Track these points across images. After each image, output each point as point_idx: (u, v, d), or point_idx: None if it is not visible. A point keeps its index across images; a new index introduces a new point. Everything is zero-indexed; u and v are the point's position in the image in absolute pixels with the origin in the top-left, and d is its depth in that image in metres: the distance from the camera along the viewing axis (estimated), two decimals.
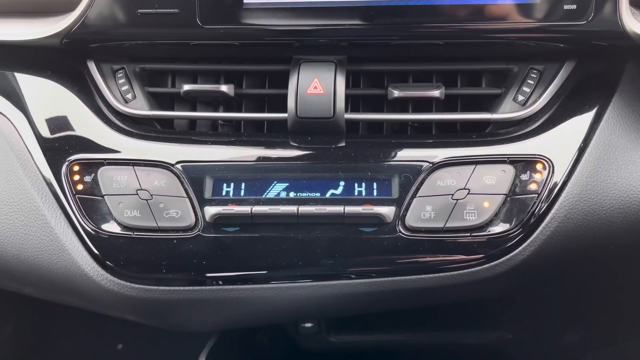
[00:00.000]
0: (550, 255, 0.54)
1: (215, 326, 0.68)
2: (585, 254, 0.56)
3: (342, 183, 0.55)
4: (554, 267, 0.56)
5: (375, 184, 0.55)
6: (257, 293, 0.55)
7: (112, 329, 1.49)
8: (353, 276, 0.54)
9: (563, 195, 0.54)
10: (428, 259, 0.53)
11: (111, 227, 0.55)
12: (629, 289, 0.69)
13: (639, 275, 0.65)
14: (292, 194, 0.55)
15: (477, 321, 0.88)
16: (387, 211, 0.53)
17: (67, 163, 0.57)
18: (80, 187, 0.56)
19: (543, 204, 0.53)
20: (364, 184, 0.55)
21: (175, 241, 0.54)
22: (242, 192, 0.55)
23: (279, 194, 0.55)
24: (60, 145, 0.59)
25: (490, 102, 0.60)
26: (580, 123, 0.57)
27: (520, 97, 0.59)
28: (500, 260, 0.53)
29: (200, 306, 0.57)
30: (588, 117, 0.57)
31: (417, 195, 0.54)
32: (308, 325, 0.87)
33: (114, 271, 0.55)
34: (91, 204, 0.56)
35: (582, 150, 0.55)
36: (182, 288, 0.55)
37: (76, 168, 0.57)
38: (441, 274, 0.53)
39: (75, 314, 1.55)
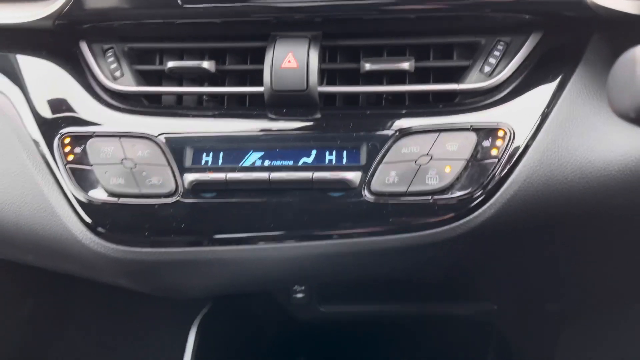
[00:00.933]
0: (512, 218, 0.56)
1: (202, 290, 0.72)
2: (548, 219, 0.58)
3: (313, 152, 0.59)
4: (518, 230, 0.58)
5: (345, 152, 0.58)
6: (233, 254, 0.59)
7: (125, 305, 1.55)
8: (322, 238, 0.57)
9: (523, 160, 0.56)
10: (392, 221, 0.56)
11: (99, 194, 0.60)
12: (598, 256, 0.71)
13: (603, 242, 0.66)
14: (266, 162, 0.58)
15: (464, 294, 0.91)
16: (353, 177, 0.56)
17: (59, 136, 0.62)
18: (71, 157, 0.61)
19: (503, 169, 0.56)
20: (334, 152, 0.58)
21: (156, 206, 0.58)
22: (220, 161, 0.59)
23: (254, 162, 0.59)
24: (53, 120, 0.63)
25: (460, 75, 0.63)
26: (543, 92, 0.59)
27: (487, 69, 0.61)
28: (461, 221, 0.56)
29: (182, 267, 0.61)
30: (551, 86, 0.59)
31: (383, 162, 0.57)
32: (299, 295, 0.91)
33: (101, 234, 0.59)
34: (80, 173, 0.60)
35: (544, 118, 0.57)
36: (163, 250, 0.59)
37: (67, 140, 0.61)
38: (404, 235, 0.56)
39: (91, 293, 1.62)
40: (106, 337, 1.63)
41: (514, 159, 0.56)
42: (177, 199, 0.58)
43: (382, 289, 0.93)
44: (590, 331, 0.91)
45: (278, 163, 0.58)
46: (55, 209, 0.61)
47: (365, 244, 0.57)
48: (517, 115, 0.58)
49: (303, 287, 0.90)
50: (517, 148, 0.56)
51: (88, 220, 0.60)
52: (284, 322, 0.93)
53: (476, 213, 0.56)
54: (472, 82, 0.61)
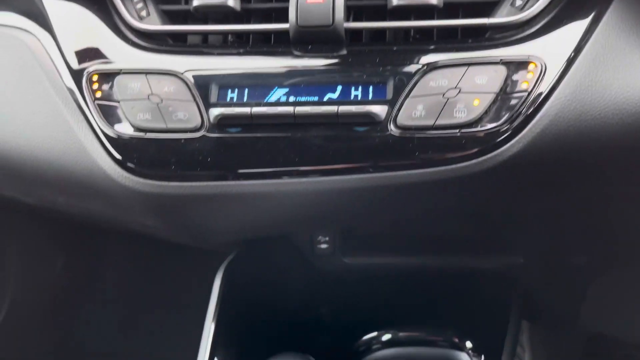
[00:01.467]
0: (541, 153, 0.55)
1: (227, 232, 0.72)
2: (579, 157, 0.57)
3: (339, 87, 0.58)
4: (548, 166, 0.57)
5: (370, 87, 0.57)
6: (257, 189, 0.59)
7: (153, 259, 1.59)
8: (346, 172, 0.57)
9: (555, 94, 0.55)
10: (418, 155, 0.56)
11: (126, 129, 0.60)
12: (629, 202, 0.69)
13: (635, 185, 0.65)
14: (291, 98, 0.58)
15: (489, 247, 0.90)
16: (379, 110, 0.56)
17: (87, 74, 0.63)
18: (98, 94, 0.62)
19: (534, 103, 0.54)
20: (360, 88, 0.58)
21: (182, 141, 0.59)
22: (245, 97, 0.59)
23: (279, 98, 0.59)
24: (81, 59, 0.64)
25: (490, 9, 0.61)
26: (576, 26, 0.57)
27: (518, 2, 0.59)
28: (488, 155, 0.55)
29: (207, 203, 0.62)
30: (585, 20, 0.57)
31: (410, 96, 0.56)
32: (323, 246, 0.91)
33: (129, 169, 0.60)
34: (108, 109, 0.61)
35: (577, 52, 0.56)
36: (189, 184, 0.60)
37: (95, 78, 0.62)
38: (430, 169, 0.56)
39: (119, 249, 1.66)
40: (135, 290, 1.68)
41: (545, 92, 0.55)
42: (203, 133, 0.59)
43: (405, 242, 0.92)
44: (618, 285, 0.89)
45: (303, 99, 0.58)
46: (84, 145, 0.62)
47: (391, 178, 0.57)
48: (549, 49, 0.56)
49: (327, 238, 0.91)
50: (548, 82, 0.55)
51: (116, 155, 0.61)
52: (307, 273, 0.94)
53: (505, 147, 0.55)
54: (502, 17, 0.59)
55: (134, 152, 0.60)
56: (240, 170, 0.59)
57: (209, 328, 0.78)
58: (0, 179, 0.75)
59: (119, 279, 1.70)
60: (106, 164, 0.61)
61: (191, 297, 1.44)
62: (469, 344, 0.86)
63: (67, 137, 0.63)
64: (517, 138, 0.55)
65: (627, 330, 0.98)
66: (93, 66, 0.63)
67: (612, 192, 0.67)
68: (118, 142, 0.60)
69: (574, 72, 0.55)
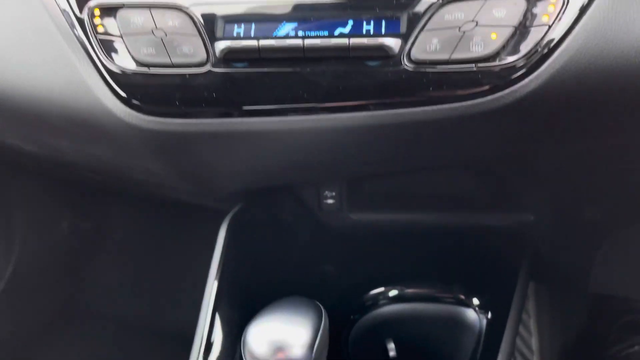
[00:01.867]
0: (561, 90, 0.53)
1: (232, 179, 0.71)
2: (599, 97, 0.55)
3: (350, 21, 0.56)
4: (567, 105, 0.55)
5: (383, 22, 0.55)
6: (264, 126, 0.57)
7: (157, 217, 1.59)
8: (357, 109, 0.55)
9: (577, 28, 0.52)
10: (432, 90, 0.54)
11: (129, 65, 0.58)
12: None
13: None
14: (300, 33, 0.56)
15: (499, 204, 0.88)
16: (393, 43, 0.53)
17: (88, 8, 0.60)
18: (101, 29, 0.59)
19: (554, 38, 0.52)
20: (372, 22, 0.55)
21: (187, 76, 0.57)
22: (252, 32, 0.57)
23: (287, 33, 0.56)
24: None
25: None
26: None
27: None
28: (505, 91, 0.53)
29: (213, 141, 0.60)
30: None
31: (425, 29, 0.53)
32: (330, 202, 0.90)
33: (132, 105, 0.59)
34: (111, 44, 0.59)
35: None
36: (194, 120, 0.58)
37: (97, 12, 0.60)
38: (445, 105, 0.54)
39: (124, 209, 1.66)
40: (140, 250, 1.68)
41: (567, 27, 0.52)
42: (209, 68, 0.56)
43: (413, 198, 0.91)
44: (629, 245, 0.88)
45: (313, 33, 0.56)
46: (87, 82, 0.60)
47: (404, 115, 0.55)
48: None
49: (333, 193, 0.89)
50: (570, 15, 0.52)
51: (119, 91, 0.59)
52: (313, 228, 0.93)
53: (522, 83, 0.52)
54: None
55: (137, 88, 0.58)
56: (246, 107, 0.57)
57: (213, 281, 0.77)
58: (0, 122, 0.73)
59: (124, 240, 1.70)
60: (109, 101, 0.60)
61: (196, 256, 1.43)
62: (475, 301, 0.85)
63: (69, 74, 0.61)
64: (535, 74, 0.52)
65: (636, 291, 0.97)
66: (95, 0, 0.61)
67: (630, 139, 0.65)
68: (121, 78, 0.58)
69: (597, 6, 0.52)
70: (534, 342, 1.31)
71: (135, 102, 0.58)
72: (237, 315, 0.74)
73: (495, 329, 0.79)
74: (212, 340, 0.71)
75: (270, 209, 0.90)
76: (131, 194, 1.42)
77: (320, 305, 0.57)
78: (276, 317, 0.56)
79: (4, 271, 1.51)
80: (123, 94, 0.59)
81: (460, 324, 0.84)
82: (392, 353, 0.84)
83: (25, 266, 1.53)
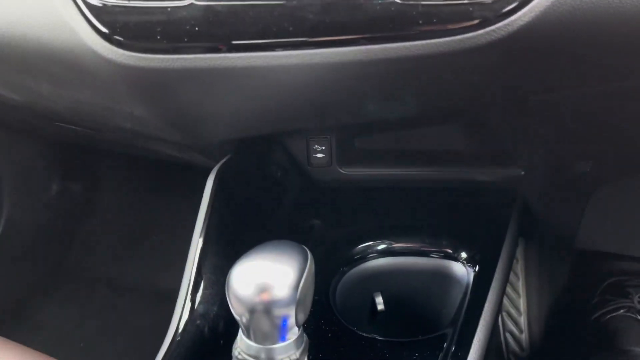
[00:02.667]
0: (553, 26, 0.51)
1: (219, 123, 0.69)
2: (597, 35, 0.53)
3: None
4: (560, 43, 0.53)
5: None
6: (249, 62, 0.56)
7: (146, 175, 1.58)
8: (345, 44, 0.54)
9: None
10: (422, 24, 0.52)
11: None
12: None
13: None
14: None
15: (489, 159, 0.87)
16: None
17: None
18: None
19: None
20: None
21: (169, 9, 0.55)
22: None
23: None
24: None
25: None
26: None
27: None
28: (496, 25, 0.51)
29: (197, 79, 0.59)
30: None
31: None
32: (319, 155, 0.89)
33: (112, 40, 0.57)
34: None
35: None
36: (177, 56, 0.56)
37: None
38: (435, 40, 0.52)
39: (113, 169, 1.64)
40: (129, 211, 1.67)
41: None
42: (191, 1, 0.54)
43: (403, 153, 0.90)
44: (620, 198, 0.87)
45: None
46: (65, 18, 0.58)
47: (393, 49, 0.53)
48: None
49: (323, 147, 0.88)
50: None
51: (99, 25, 0.57)
52: (302, 183, 0.92)
53: (514, 16, 0.51)
54: None
55: (117, 23, 0.56)
56: (230, 42, 0.55)
57: (199, 230, 0.76)
58: None
59: (114, 201, 1.70)
60: (88, 37, 0.58)
61: (187, 215, 1.43)
62: (464, 255, 0.84)
63: (46, 10, 0.59)
64: (527, 7, 0.51)
65: (623, 248, 0.97)
66: None
67: (623, 86, 0.64)
68: (100, 11, 0.56)
69: None
70: (521, 303, 1.32)
71: (116, 37, 0.56)
72: (223, 264, 0.73)
73: (482, 283, 0.79)
74: (198, 289, 0.71)
75: (258, 161, 0.89)
76: (120, 153, 1.41)
77: (306, 248, 0.56)
78: (260, 259, 0.55)
79: None
80: (103, 28, 0.57)
81: (448, 277, 0.84)
82: (380, 306, 0.84)
83: (15, 228, 1.52)
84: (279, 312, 0.53)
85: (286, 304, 0.53)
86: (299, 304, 0.54)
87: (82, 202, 1.70)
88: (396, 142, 0.90)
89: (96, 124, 0.83)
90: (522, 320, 1.31)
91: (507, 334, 1.30)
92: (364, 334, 0.73)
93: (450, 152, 0.89)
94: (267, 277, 0.54)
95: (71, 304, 1.61)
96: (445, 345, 0.70)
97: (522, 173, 0.86)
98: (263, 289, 0.53)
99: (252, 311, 0.53)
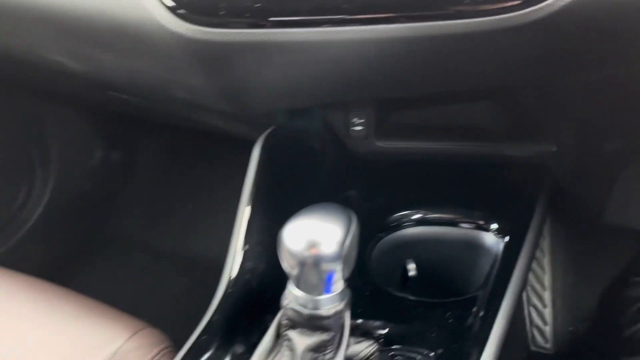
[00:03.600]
0: (597, 6, 0.54)
1: (267, 94, 0.74)
2: (633, 12, 0.55)
3: None
4: (595, 21, 0.56)
5: None
6: (301, 37, 0.60)
7: (189, 150, 1.64)
8: (389, 21, 0.57)
9: None
10: (466, 3, 0.55)
11: None
12: None
13: None
14: None
15: (523, 134, 0.90)
16: None
17: None
18: None
19: None
20: None
21: None
22: None
23: None
24: None
25: None
26: None
27: None
28: (537, 5, 0.54)
29: (252, 53, 0.63)
30: None
31: None
32: (358, 128, 0.93)
33: (178, 13, 0.62)
34: None
35: None
36: (238, 30, 0.61)
37: None
38: (478, 19, 0.56)
39: (156, 139, 1.70)
40: (169, 181, 1.74)
41: None
42: None
43: (439, 128, 0.93)
44: None
45: None
46: None
47: (436, 27, 0.57)
48: None
49: (362, 120, 0.92)
50: None
51: (167, 1, 0.62)
52: (340, 155, 0.96)
53: None
54: None
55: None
56: (288, 18, 0.59)
57: (247, 195, 0.82)
58: (51, 35, 0.77)
59: (151, 170, 1.77)
60: (157, 12, 0.63)
61: (225, 185, 1.49)
62: (494, 226, 0.88)
63: None
64: None
65: None
66: None
67: None
68: None
69: None
70: (546, 279, 1.35)
71: (182, 11, 0.61)
72: (269, 225, 0.79)
73: (511, 252, 0.83)
74: (246, 247, 0.77)
75: (299, 133, 0.94)
76: (161, 124, 1.47)
77: (351, 210, 0.61)
78: (310, 218, 0.60)
79: (41, 198, 1.60)
80: (171, 3, 0.61)
81: (479, 247, 0.88)
82: (412, 272, 0.89)
83: (61, 195, 1.61)
84: (326, 266, 0.59)
85: (333, 259, 0.58)
86: (344, 259, 0.59)
87: (122, 170, 1.77)
88: (432, 117, 0.94)
89: (151, 93, 0.89)
90: (546, 295, 1.34)
91: (531, 308, 1.34)
92: (397, 294, 0.78)
93: (484, 128, 0.92)
94: (316, 234, 0.59)
95: (110, 267, 1.70)
96: (474, 308, 0.74)
97: (554, 149, 0.89)
98: (313, 245, 0.59)
99: (302, 265, 0.59)
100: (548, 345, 1.32)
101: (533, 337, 1.33)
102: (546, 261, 1.35)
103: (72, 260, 1.65)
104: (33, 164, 1.55)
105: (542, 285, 1.34)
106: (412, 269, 0.90)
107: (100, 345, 0.78)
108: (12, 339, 0.79)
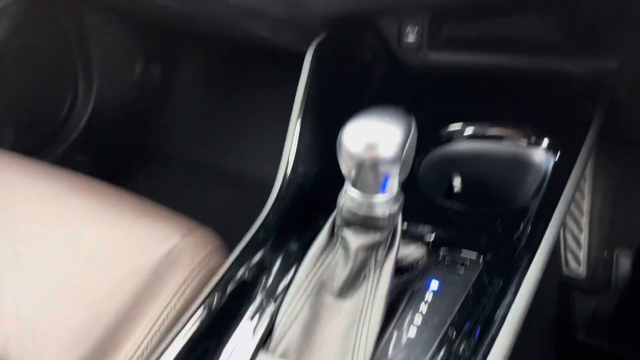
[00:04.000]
0: None
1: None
2: None
3: None
4: None
5: None
6: None
7: (232, 62, 1.64)
8: None
9: None
10: None
11: None
12: None
13: None
14: None
15: (582, 48, 0.87)
16: None
17: None
18: None
19: None
20: None
21: None
22: None
23: None
24: None
25: None
26: None
27: None
28: None
29: None
30: None
31: None
32: (410, 40, 0.91)
33: None
34: None
35: None
36: None
37: None
38: None
39: (197, 56, 1.70)
40: (212, 94, 1.75)
41: None
42: None
43: (493, 40, 0.90)
44: None
45: None
46: None
47: None
48: None
49: (416, 28, 0.90)
50: None
51: None
52: (392, 66, 0.95)
53: None
54: None
55: None
56: None
57: (299, 101, 0.82)
58: None
59: (192, 85, 1.77)
60: None
61: (266, 102, 1.49)
62: (545, 142, 0.87)
63: None
64: None
65: None
66: None
67: None
68: None
69: None
70: (585, 204, 1.35)
71: None
72: (322, 130, 0.80)
73: (562, 170, 0.82)
74: (300, 152, 0.78)
75: (350, 42, 0.92)
76: (204, 36, 1.46)
77: (411, 115, 0.61)
78: (370, 120, 0.60)
79: (85, 109, 1.63)
80: None
81: (528, 163, 0.88)
82: (457, 188, 0.89)
83: (104, 106, 1.63)
84: (384, 168, 0.59)
85: (392, 161, 0.59)
86: (403, 162, 0.60)
87: (162, 84, 1.78)
88: (487, 28, 0.91)
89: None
90: (584, 220, 1.34)
91: (567, 232, 1.35)
92: (444, 204, 0.80)
93: (541, 41, 0.89)
94: (376, 135, 0.59)
95: (153, 181, 1.75)
96: (524, 218, 0.75)
97: (615, 65, 0.86)
98: (372, 146, 0.59)
99: (360, 166, 0.59)
100: (580, 270, 1.34)
101: (566, 260, 1.35)
102: (586, 186, 1.34)
103: (116, 174, 1.71)
104: (76, 76, 1.57)
105: (580, 211, 1.35)
106: (457, 184, 0.90)
107: (156, 242, 0.82)
108: (69, 234, 0.84)
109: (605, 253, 1.31)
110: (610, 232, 1.32)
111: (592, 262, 1.33)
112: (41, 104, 1.52)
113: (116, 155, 1.74)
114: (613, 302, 1.31)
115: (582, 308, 1.33)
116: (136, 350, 0.68)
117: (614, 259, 1.30)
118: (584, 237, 1.35)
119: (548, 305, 1.26)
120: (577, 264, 1.35)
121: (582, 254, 1.35)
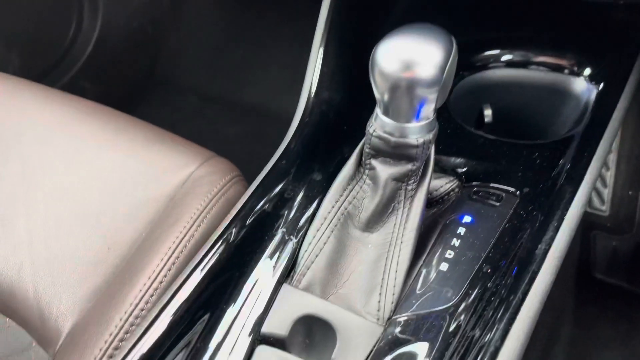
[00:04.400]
0: None
1: None
2: None
3: None
4: None
5: None
6: None
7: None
8: None
9: None
10: None
11: None
12: None
13: None
14: None
15: None
16: None
17: None
18: None
19: None
20: None
21: None
22: None
23: None
24: None
25: None
26: None
27: None
28: None
29: None
30: None
31: None
32: None
33: None
34: None
35: None
36: None
37: None
38: None
39: None
40: (219, 23, 1.67)
41: None
42: None
43: None
44: None
45: None
46: None
47: None
48: None
49: None
50: None
51: None
52: None
53: None
54: None
55: None
56: None
57: (322, 23, 0.75)
58: None
59: (200, 12, 1.69)
60: None
61: (276, 34, 1.41)
62: (587, 71, 0.81)
63: None
64: None
65: None
66: None
67: None
68: None
69: None
70: (614, 142, 1.29)
71: None
72: (345, 54, 0.73)
73: (605, 102, 0.76)
74: (323, 77, 0.72)
75: None
76: None
77: (450, 33, 0.54)
78: (408, 37, 0.54)
79: (91, 33, 1.55)
80: None
81: (567, 93, 0.82)
82: (487, 119, 0.84)
83: (110, 31, 1.56)
84: (421, 91, 0.54)
85: (430, 83, 0.54)
86: (442, 86, 0.54)
87: (171, 8, 1.69)
88: None
89: None
90: (611, 157, 1.30)
91: None
92: (478, 134, 0.75)
93: None
94: (414, 54, 0.53)
95: (163, 108, 1.70)
96: (565, 150, 0.70)
97: None
98: (409, 66, 0.53)
99: (394, 88, 0.54)
100: (604, 207, 1.31)
101: (590, 198, 1.32)
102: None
103: (125, 101, 1.66)
104: None
105: (606, 165, 1.30)
106: (488, 114, 0.85)
107: (173, 169, 0.78)
108: (81, 160, 0.80)
109: (630, 192, 1.28)
110: (637, 171, 1.27)
111: (617, 200, 1.30)
112: (46, 27, 1.45)
113: (124, 82, 1.68)
114: (634, 242, 1.28)
115: (602, 246, 1.31)
116: (153, 282, 0.65)
117: (639, 199, 1.27)
118: (610, 175, 1.31)
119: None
120: (601, 202, 1.32)
121: (607, 192, 1.32)
